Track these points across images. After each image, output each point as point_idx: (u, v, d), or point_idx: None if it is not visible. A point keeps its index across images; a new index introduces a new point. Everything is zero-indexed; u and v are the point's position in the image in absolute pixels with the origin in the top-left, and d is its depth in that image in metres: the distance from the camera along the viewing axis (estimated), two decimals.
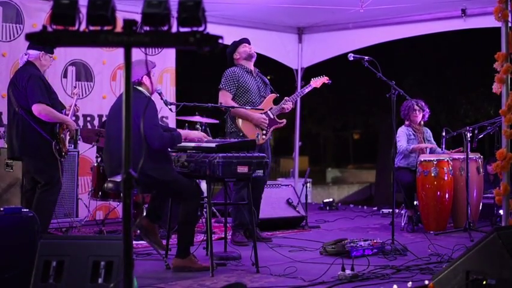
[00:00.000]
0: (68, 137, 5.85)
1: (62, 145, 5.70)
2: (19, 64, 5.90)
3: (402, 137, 7.45)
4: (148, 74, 5.10)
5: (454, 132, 7.37)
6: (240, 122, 6.38)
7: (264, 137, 6.39)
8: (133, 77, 4.96)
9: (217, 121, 7.00)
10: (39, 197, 5.67)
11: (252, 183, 6.24)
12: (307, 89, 6.74)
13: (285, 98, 6.57)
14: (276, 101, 6.59)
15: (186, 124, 6.94)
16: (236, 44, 6.56)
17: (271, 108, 6.50)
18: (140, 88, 5.07)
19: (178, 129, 5.50)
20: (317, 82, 6.83)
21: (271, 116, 6.47)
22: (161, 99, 5.50)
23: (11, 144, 5.77)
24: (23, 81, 5.61)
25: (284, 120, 6.58)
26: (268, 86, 6.65)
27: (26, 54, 5.80)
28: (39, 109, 5.56)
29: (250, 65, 6.54)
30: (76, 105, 6.10)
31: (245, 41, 6.59)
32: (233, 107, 6.21)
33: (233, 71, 6.44)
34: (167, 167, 5.02)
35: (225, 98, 6.35)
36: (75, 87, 6.85)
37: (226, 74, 6.44)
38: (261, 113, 6.42)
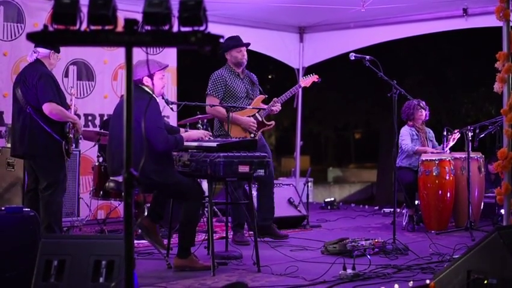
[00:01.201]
0: (73, 137, 5.80)
1: (70, 145, 5.65)
2: (27, 61, 5.73)
3: (407, 136, 7.45)
4: (151, 76, 5.09)
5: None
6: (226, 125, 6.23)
7: None
8: (135, 76, 4.95)
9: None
10: (48, 200, 5.51)
11: (258, 182, 6.29)
12: (296, 89, 6.59)
13: (274, 99, 6.43)
14: (265, 102, 6.50)
15: (187, 124, 6.94)
16: (233, 46, 6.36)
17: (259, 110, 6.41)
18: (143, 87, 5.07)
19: (180, 129, 5.51)
20: (306, 81, 6.72)
21: (260, 119, 6.38)
22: (163, 98, 5.49)
23: (14, 142, 5.64)
24: (34, 79, 5.46)
25: (273, 122, 6.49)
26: (256, 85, 6.53)
27: (35, 52, 5.62)
28: (50, 108, 5.44)
29: (239, 69, 6.43)
30: (74, 105, 6.05)
31: (243, 45, 6.39)
32: (233, 107, 6.16)
33: (220, 75, 6.31)
34: (169, 170, 5.01)
35: (213, 104, 6.18)
36: (72, 87, 6.82)
37: (213, 79, 6.32)
38: (249, 116, 6.36)
